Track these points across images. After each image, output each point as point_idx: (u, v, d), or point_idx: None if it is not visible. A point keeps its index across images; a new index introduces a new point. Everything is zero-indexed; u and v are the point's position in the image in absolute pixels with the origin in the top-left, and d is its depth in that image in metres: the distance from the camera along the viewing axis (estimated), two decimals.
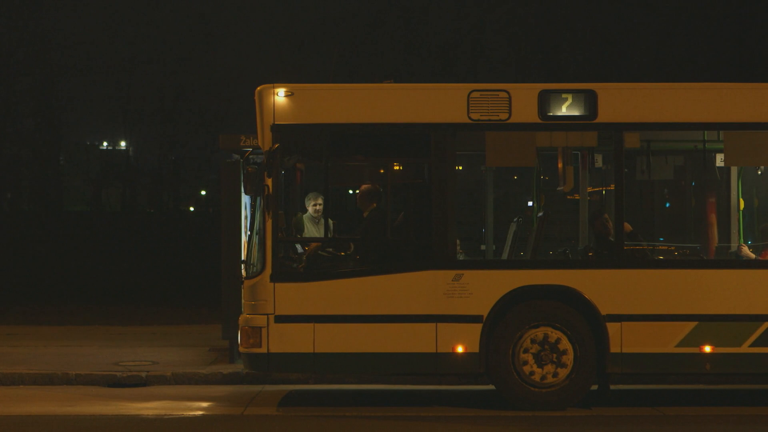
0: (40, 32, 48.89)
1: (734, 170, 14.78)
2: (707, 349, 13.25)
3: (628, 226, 13.78)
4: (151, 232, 45.91)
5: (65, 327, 21.32)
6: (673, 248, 14.58)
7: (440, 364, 13.25)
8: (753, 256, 14.26)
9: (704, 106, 13.46)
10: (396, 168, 13.64)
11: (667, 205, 15.76)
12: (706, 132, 14.11)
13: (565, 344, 13.28)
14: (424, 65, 36.47)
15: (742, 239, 14.68)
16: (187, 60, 57.25)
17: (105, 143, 76.83)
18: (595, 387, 13.68)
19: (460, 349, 13.23)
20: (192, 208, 66.80)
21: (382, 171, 13.68)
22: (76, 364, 16.24)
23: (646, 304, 13.22)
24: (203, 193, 67.65)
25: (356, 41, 38.33)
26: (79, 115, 60.65)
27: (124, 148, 71.65)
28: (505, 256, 14.38)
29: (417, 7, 38.18)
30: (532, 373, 13.28)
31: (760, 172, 14.78)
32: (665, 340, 13.24)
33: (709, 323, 13.25)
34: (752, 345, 13.22)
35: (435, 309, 13.21)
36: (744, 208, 14.80)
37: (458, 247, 13.78)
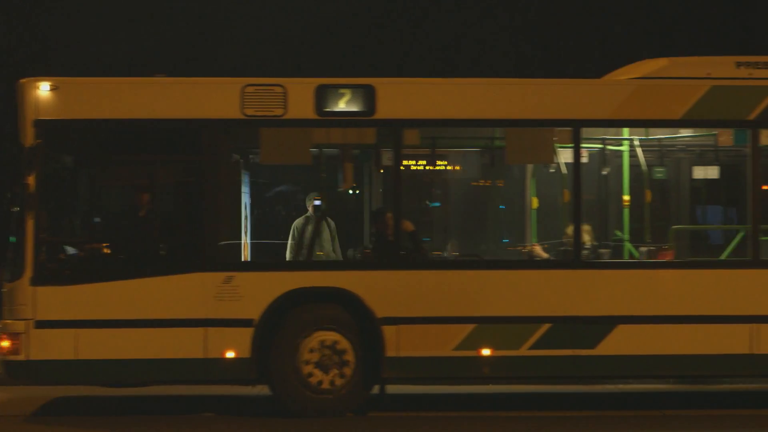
0: (40, 32, 47.49)
1: (529, 168, 14.51)
2: (486, 352, 12.89)
3: (409, 226, 13.39)
4: None
5: None
6: (455, 248, 14.25)
7: (209, 370, 12.71)
8: (546, 255, 13.97)
9: (487, 102, 13.12)
10: (168, 166, 13.08)
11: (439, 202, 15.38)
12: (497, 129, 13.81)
13: (345, 348, 12.84)
14: (425, 64, 35.65)
15: (535, 239, 14.40)
16: (188, 60, 55.90)
17: None
18: (376, 391, 13.26)
19: (230, 354, 12.70)
20: None
21: (153, 169, 13.09)
22: None
23: (423, 306, 12.83)
24: None
25: (357, 41, 37.31)
26: None
27: None
28: (289, 257, 13.90)
29: (417, 7, 37.34)
30: (312, 377, 12.80)
31: (552, 170, 14.48)
32: (442, 343, 12.85)
33: (487, 325, 12.90)
34: (531, 347, 12.90)
35: (204, 313, 12.67)
36: (538, 207, 14.52)
37: (240, 249, 13.33)
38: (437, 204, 14.71)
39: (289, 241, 13.85)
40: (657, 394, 14.82)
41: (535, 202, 14.46)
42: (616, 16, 32.13)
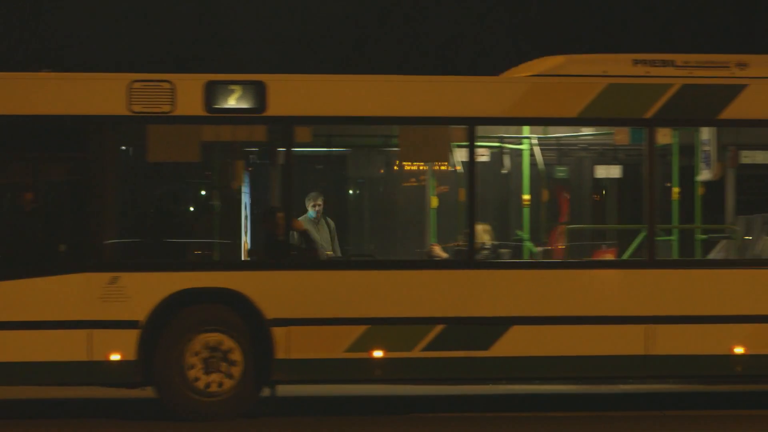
0: (40, 32, 46.72)
1: (429, 167, 14.27)
2: (378, 354, 12.64)
3: (300, 225, 13.14)
4: None
5: None
6: (349, 248, 14.01)
7: (93, 372, 12.37)
8: (445, 255, 13.73)
9: (381, 99, 12.86)
10: (52, 163, 12.72)
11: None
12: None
13: (234, 351, 12.54)
14: (425, 64, 35.37)
15: (434, 239, 14.16)
16: (188, 60, 55.07)
17: None
18: (267, 393, 12.99)
19: (115, 357, 12.36)
20: None
21: (38, 166, 12.72)
22: None
23: (314, 307, 12.56)
24: None
25: (356, 40, 36.99)
26: None
27: None
28: None
29: (418, 5, 37.02)
30: (198, 381, 12.49)
31: (451, 169, 14.25)
32: (333, 345, 12.59)
33: (380, 327, 12.64)
34: (425, 349, 12.65)
35: (89, 314, 12.31)
36: (438, 207, 14.28)
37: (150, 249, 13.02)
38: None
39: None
40: (657, 394, 14.76)
41: (434, 202, 14.23)
42: (617, 15, 32.01)
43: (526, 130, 14.17)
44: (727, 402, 14.41)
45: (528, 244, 14.14)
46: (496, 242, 14.36)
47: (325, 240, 13.65)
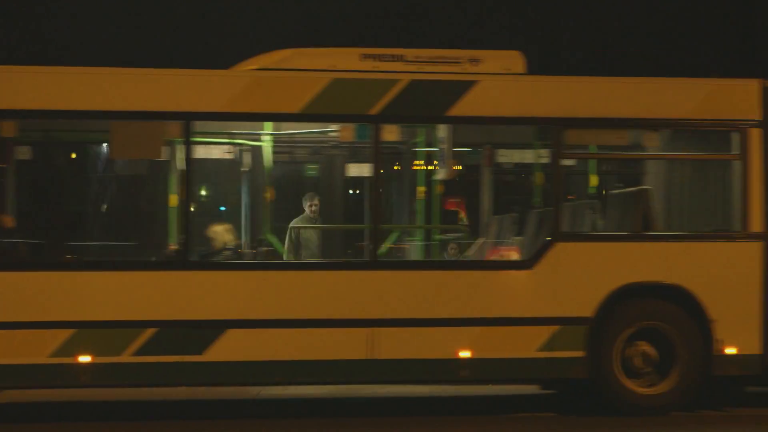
0: (40, 32, 45.79)
1: (172, 165, 13.72)
2: (85, 359, 12.05)
3: (8, 222, 12.55)
4: None
5: None
6: (63, 248, 13.42)
7: None
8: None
9: (90, 92, 12.18)
10: None
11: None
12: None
13: None
14: None
15: (173, 239, 13.62)
16: (188, 59, 54.09)
17: None
18: None
19: None
20: None
21: None
22: None
23: (15, 310, 11.94)
24: None
25: (356, 39, 36.15)
26: None
27: None
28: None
29: (417, 4, 36.43)
30: None
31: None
32: (37, 350, 11.98)
33: (86, 331, 12.05)
34: (135, 354, 12.10)
35: None
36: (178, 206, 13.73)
37: None
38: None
39: (287, 242, 13.44)
40: None
41: (173, 200, 13.69)
42: (617, 16, 31.70)
43: (268, 126, 13.72)
44: (727, 402, 13.95)
45: (268, 241, 13.73)
46: (238, 242, 13.96)
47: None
